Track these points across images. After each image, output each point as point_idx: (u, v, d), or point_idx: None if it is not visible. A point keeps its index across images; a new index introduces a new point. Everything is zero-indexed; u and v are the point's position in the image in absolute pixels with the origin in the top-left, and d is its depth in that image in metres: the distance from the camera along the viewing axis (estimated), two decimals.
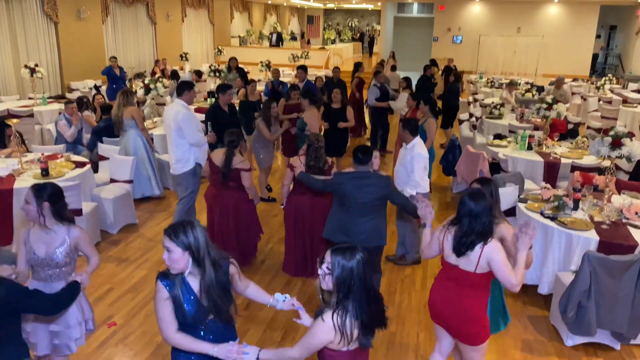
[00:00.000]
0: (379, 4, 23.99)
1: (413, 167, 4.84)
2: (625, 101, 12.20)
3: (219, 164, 4.85)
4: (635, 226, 4.47)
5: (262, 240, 5.69)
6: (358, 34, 31.03)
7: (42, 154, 5.62)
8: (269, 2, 25.89)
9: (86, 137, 7.49)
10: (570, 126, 8.82)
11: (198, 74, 12.58)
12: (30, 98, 10.31)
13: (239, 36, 22.43)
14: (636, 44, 18.57)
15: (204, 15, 19.19)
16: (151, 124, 8.00)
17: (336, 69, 10.38)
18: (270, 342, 4.05)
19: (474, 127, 9.28)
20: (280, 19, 28.05)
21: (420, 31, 24.65)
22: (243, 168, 4.84)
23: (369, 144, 10.24)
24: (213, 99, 9.98)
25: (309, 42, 22.79)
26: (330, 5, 30.51)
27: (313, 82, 9.87)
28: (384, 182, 4.02)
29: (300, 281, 5.06)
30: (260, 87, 10.79)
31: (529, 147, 6.81)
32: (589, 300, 3.82)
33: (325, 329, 2.20)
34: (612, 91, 13.58)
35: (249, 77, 11.49)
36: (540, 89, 12.70)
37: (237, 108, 7.37)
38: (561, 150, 6.87)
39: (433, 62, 16.12)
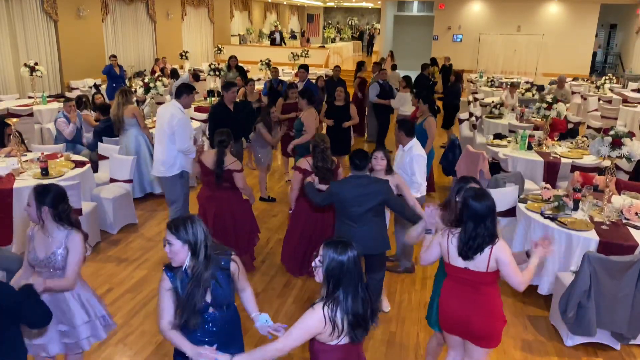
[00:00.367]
0: (379, 2, 23.97)
1: (414, 169, 4.78)
2: (625, 100, 12.19)
3: (210, 165, 4.74)
4: (635, 227, 4.47)
5: (262, 240, 5.69)
6: (358, 33, 30.98)
7: (42, 154, 5.61)
8: (269, 0, 25.86)
9: (86, 136, 7.47)
10: (570, 126, 8.81)
11: (195, 76, 10.94)
12: (30, 97, 10.28)
13: (239, 35, 22.40)
14: (636, 42, 18.53)
15: (203, 13, 19.16)
16: (151, 123, 7.97)
17: (337, 68, 10.38)
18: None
19: (473, 126, 9.28)
20: (280, 18, 27.99)
21: (420, 30, 24.60)
22: (235, 169, 4.74)
23: (368, 145, 10.23)
24: (213, 98, 9.98)
25: (308, 41, 22.79)
26: (330, 4, 30.49)
27: (314, 81, 9.87)
28: (383, 187, 3.93)
29: (300, 281, 5.06)
30: (260, 86, 10.78)
31: (529, 147, 6.80)
32: (589, 301, 3.82)
33: (315, 317, 2.20)
34: (612, 90, 13.57)
35: (249, 75, 11.47)
36: (541, 88, 12.70)
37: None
38: (561, 150, 6.86)
39: (433, 61, 16.12)
